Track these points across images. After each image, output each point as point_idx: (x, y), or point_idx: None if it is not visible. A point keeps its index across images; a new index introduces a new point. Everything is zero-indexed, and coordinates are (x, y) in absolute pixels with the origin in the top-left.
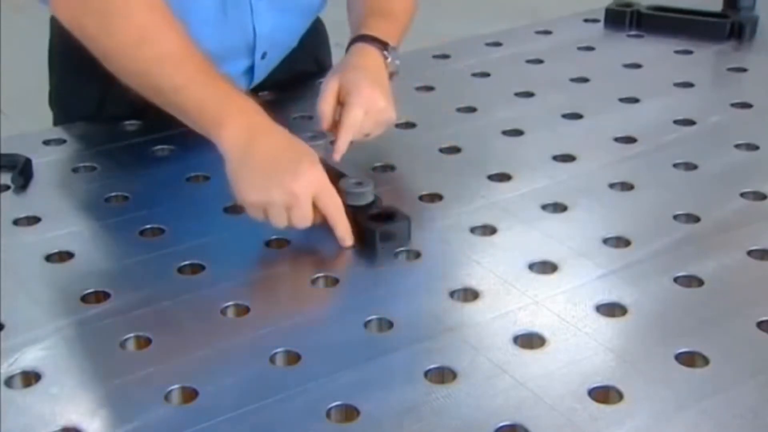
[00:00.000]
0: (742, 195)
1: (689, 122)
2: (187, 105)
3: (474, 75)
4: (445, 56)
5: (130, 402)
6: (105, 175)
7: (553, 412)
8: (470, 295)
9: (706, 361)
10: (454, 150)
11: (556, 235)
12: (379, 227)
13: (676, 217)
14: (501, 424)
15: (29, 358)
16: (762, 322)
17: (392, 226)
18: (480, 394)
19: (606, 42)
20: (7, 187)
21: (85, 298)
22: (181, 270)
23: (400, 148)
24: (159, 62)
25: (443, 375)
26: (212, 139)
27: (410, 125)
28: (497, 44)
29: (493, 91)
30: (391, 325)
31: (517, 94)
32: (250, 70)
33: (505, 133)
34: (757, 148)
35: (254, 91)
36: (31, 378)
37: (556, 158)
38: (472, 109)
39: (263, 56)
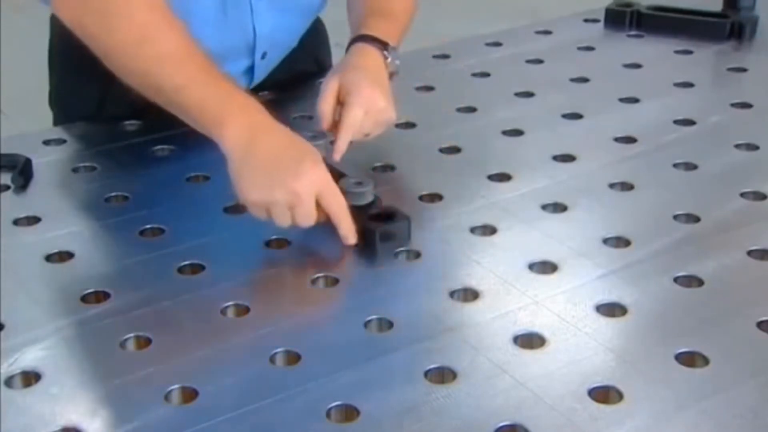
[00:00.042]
0: (742, 195)
1: (689, 122)
2: (189, 104)
3: (474, 75)
4: (445, 56)
5: (130, 402)
6: (105, 175)
7: (553, 412)
8: (470, 295)
9: (706, 361)
10: (454, 150)
11: (556, 235)
12: (379, 227)
13: (676, 217)
14: (501, 424)
15: (29, 358)
16: (762, 322)
17: (392, 226)
18: (480, 394)
19: (606, 42)
20: (7, 187)
21: (85, 298)
22: (181, 270)
23: (400, 148)
24: (160, 61)
25: (443, 375)
26: (214, 138)
27: (410, 125)
28: (497, 44)
29: (493, 91)
30: (391, 325)
31: (517, 94)
32: (250, 70)
33: (505, 133)
34: (757, 148)
35: (254, 91)
36: (31, 378)
37: (556, 158)
38: (472, 109)
39: (263, 56)
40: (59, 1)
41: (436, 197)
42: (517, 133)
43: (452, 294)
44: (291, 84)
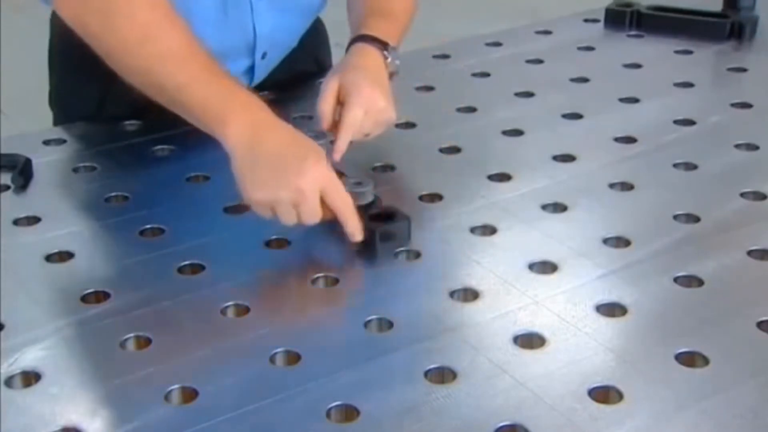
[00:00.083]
0: (742, 195)
1: (689, 122)
2: (191, 103)
3: (474, 75)
4: (445, 56)
5: (130, 402)
6: (105, 175)
7: (553, 412)
8: (470, 295)
9: (706, 361)
10: (454, 150)
11: (556, 235)
12: (379, 227)
13: (676, 217)
14: (501, 424)
15: (29, 358)
16: (762, 322)
17: (392, 226)
18: (480, 394)
19: (606, 42)
20: (7, 187)
21: (85, 298)
22: (181, 270)
23: (400, 148)
24: (162, 60)
25: (443, 375)
26: (217, 137)
27: (410, 125)
28: (497, 44)
29: (493, 91)
30: (391, 325)
31: (517, 94)
32: (251, 70)
33: (505, 133)
34: (757, 148)
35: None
36: (31, 378)
37: (556, 158)
38: (472, 109)
39: (263, 56)
40: (61, 1)
41: (436, 197)
42: (517, 133)
43: (452, 294)
44: (291, 84)
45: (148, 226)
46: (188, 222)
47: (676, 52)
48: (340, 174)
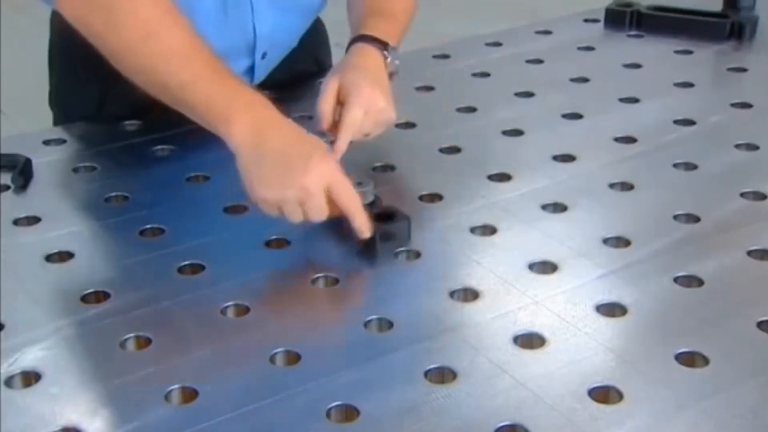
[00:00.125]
0: (742, 195)
1: (689, 122)
2: (195, 101)
3: (474, 75)
4: (445, 56)
5: (130, 402)
6: (105, 175)
7: (553, 412)
8: (470, 295)
9: (706, 361)
10: (454, 150)
11: (556, 235)
12: (379, 227)
13: (676, 217)
14: (501, 424)
15: (29, 358)
16: (762, 322)
17: (392, 226)
18: (480, 394)
19: (606, 42)
20: (7, 187)
21: (85, 298)
22: (181, 270)
23: (400, 148)
24: (165, 58)
25: (443, 375)
26: (221, 135)
27: (410, 125)
28: (497, 44)
29: (493, 91)
30: (391, 325)
31: (517, 94)
32: (251, 70)
33: (505, 133)
34: (757, 148)
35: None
36: (31, 378)
37: (556, 158)
38: (472, 109)
39: (263, 56)
40: (64, 0)
41: (436, 197)
42: (517, 133)
43: (452, 294)
44: (291, 84)
45: (148, 226)
46: (188, 222)
47: (676, 52)
48: None
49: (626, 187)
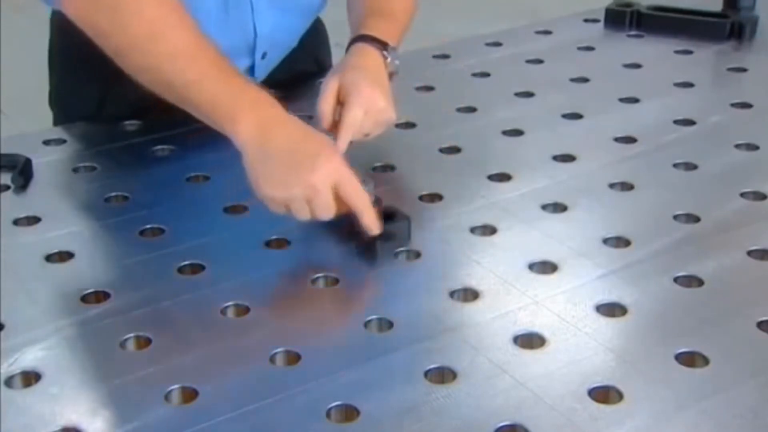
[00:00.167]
0: (742, 195)
1: (689, 122)
2: (200, 100)
3: (474, 75)
4: (445, 56)
5: (130, 402)
6: (105, 175)
7: (553, 412)
8: (470, 295)
9: (706, 361)
10: (454, 150)
11: (556, 235)
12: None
13: (676, 217)
14: (501, 424)
15: (29, 358)
16: (762, 322)
17: (392, 226)
18: (480, 394)
19: (606, 42)
20: (7, 187)
21: (85, 298)
22: (181, 270)
23: (400, 148)
24: (171, 57)
25: (443, 375)
26: (227, 134)
27: (410, 125)
28: (497, 44)
29: (493, 91)
30: (391, 325)
31: (517, 94)
32: (251, 70)
33: (505, 133)
34: (757, 148)
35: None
36: (31, 378)
37: (556, 158)
38: (472, 109)
39: (263, 56)
40: (69, 0)
41: (436, 197)
42: (517, 133)
43: (452, 294)
44: (291, 84)
45: (148, 226)
46: (188, 222)
47: (676, 52)
48: None
49: (626, 187)
